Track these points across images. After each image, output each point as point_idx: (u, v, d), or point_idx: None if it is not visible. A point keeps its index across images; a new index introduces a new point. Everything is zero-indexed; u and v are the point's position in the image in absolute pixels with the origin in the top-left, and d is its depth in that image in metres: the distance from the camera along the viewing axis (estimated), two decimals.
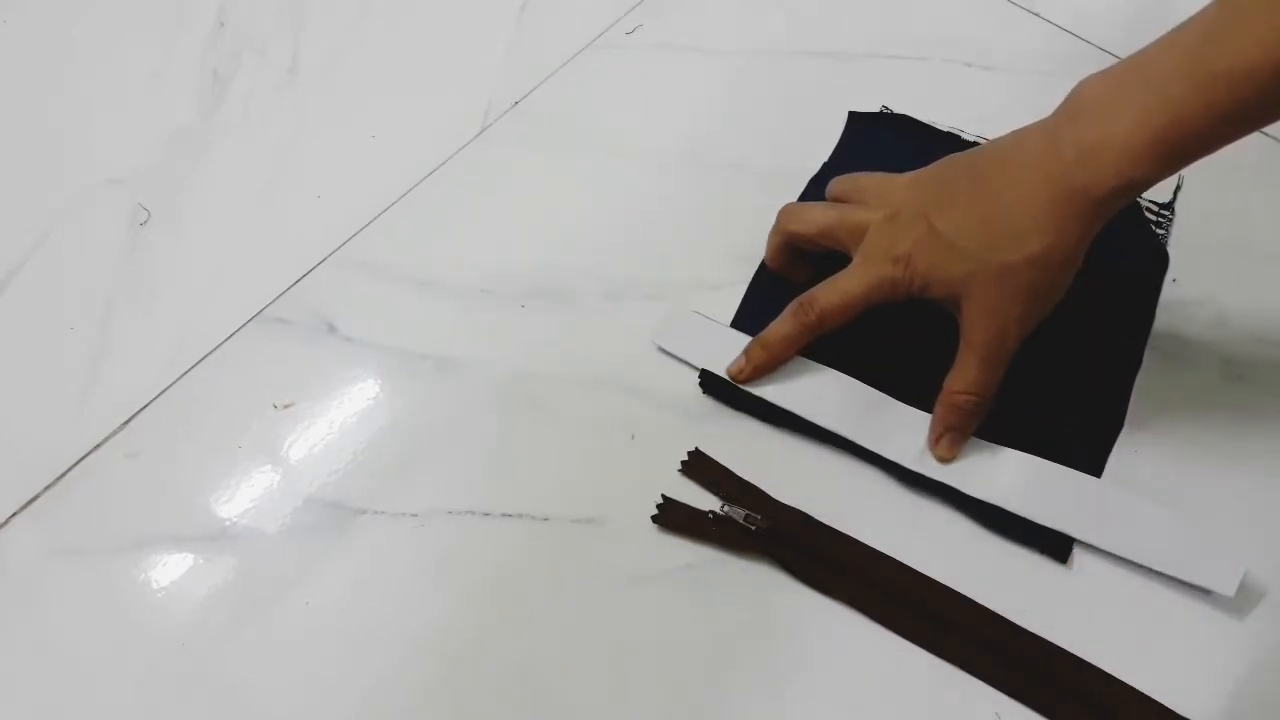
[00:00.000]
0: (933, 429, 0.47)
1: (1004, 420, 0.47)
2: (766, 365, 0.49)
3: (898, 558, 0.46)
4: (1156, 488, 0.47)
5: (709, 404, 0.51)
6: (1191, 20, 0.41)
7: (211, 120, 0.63)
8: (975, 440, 0.48)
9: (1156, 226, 0.56)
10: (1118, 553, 0.45)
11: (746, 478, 0.48)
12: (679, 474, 0.48)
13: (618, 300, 0.55)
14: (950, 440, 0.47)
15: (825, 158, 0.59)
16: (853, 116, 0.61)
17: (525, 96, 0.63)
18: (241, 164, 0.61)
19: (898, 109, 0.61)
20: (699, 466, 0.48)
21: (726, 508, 0.46)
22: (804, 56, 0.65)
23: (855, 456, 0.48)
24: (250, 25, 0.68)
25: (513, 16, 0.68)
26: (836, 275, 0.48)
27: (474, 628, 0.45)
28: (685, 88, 0.64)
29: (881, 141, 0.60)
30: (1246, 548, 0.45)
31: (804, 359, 0.50)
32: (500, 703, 0.43)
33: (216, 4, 0.69)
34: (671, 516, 0.47)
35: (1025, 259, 0.43)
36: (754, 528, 0.46)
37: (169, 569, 0.47)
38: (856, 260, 0.48)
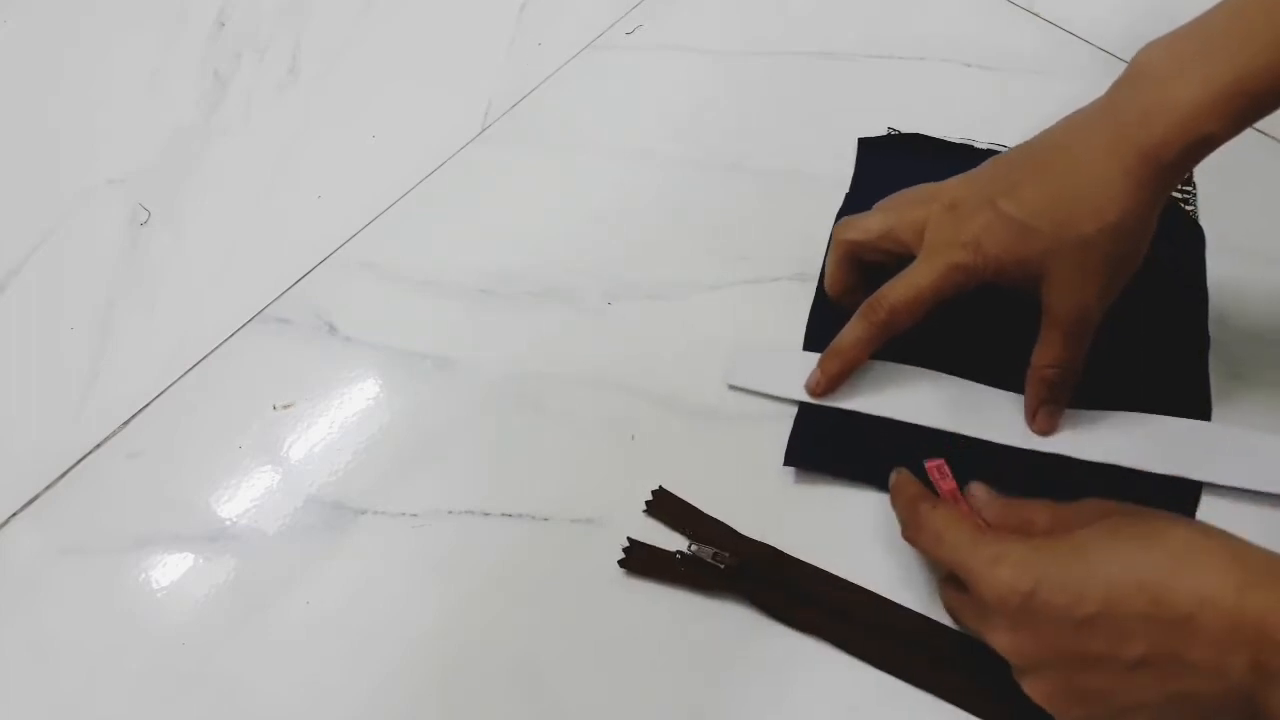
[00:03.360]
0: (1027, 406, 0.47)
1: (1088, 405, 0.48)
2: (841, 373, 0.48)
3: (879, 590, 0.45)
4: None
5: (708, 405, 0.51)
6: None
7: (211, 120, 0.63)
8: (1078, 411, 0.47)
9: (1184, 203, 0.55)
10: (1250, 486, 0.45)
11: (732, 489, 0.48)
12: (644, 515, 0.47)
13: (618, 300, 0.55)
14: (1047, 413, 0.47)
15: (824, 157, 0.59)
16: (863, 143, 0.60)
17: (525, 96, 0.63)
18: (241, 164, 0.61)
19: (897, 109, 0.61)
20: (664, 505, 0.47)
21: (694, 547, 0.46)
22: (804, 56, 0.65)
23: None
24: (250, 25, 0.68)
25: (513, 16, 0.68)
26: (904, 271, 0.46)
27: (474, 628, 0.45)
28: (685, 88, 0.64)
29: (897, 163, 0.59)
30: None
31: (884, 362, 0.49)
32: (499, 702, 0.43)
33: (216, 4, 0.69)
34: (639, 560, 0.46)
35: (1102, 230, 0.42)
36: (722, 566, 0.45)
37: (169, 569, 0.47)
38: (922, 254, 0.46)
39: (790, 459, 0.48)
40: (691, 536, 0.46)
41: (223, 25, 0.68)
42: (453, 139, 0.61)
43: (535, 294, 0.55)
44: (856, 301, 0.48)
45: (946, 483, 0.45)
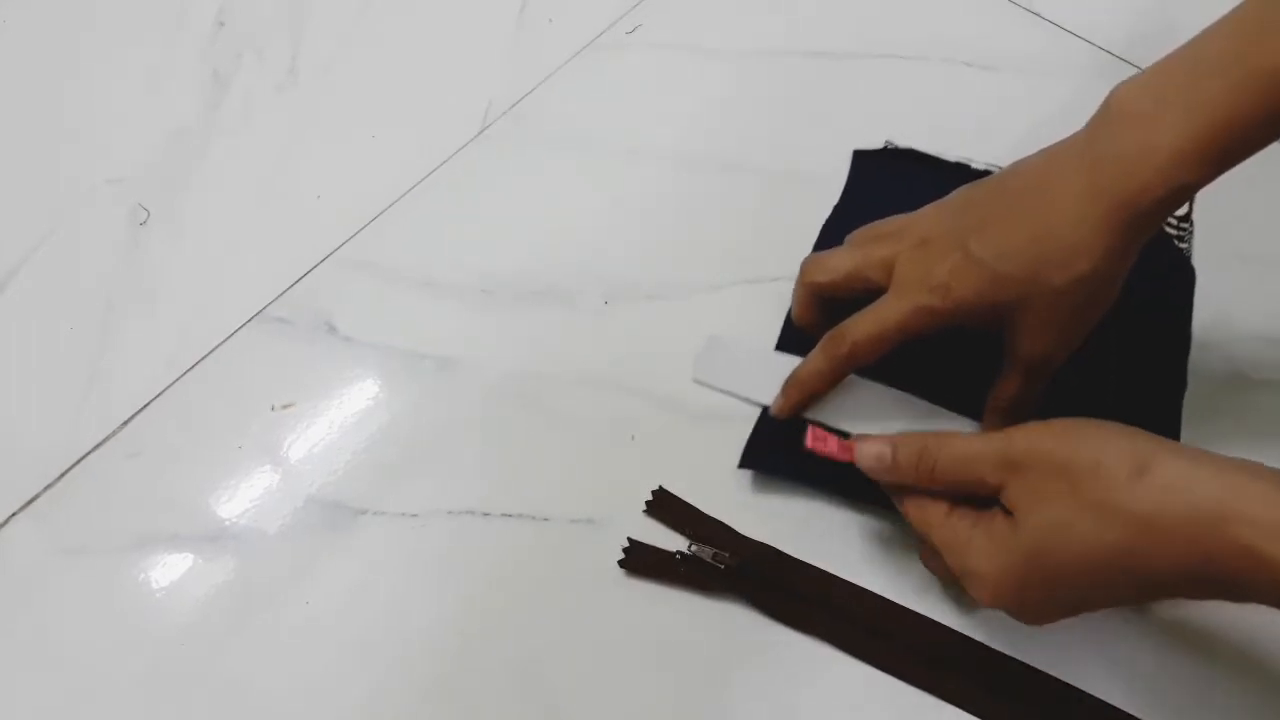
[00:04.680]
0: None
1: None
2: (802, 402, 0.48)
3: (879, 591, 0.45)
4: None
5: (708, 405, 0.51)
6: (1222, 24, 0.40)
7: (211, 120, 0.63)
8: None
9: (1178, 240, 0.54)
10: None
11: (732, 489, 0.48)
12: (644, 514, 0.47)
13: (617, 300, 0.55)
14: None
15: (824, 157, 0.59)
16: (858, 155, 0.59)
17: (525, 96, 0.63)
18: (241, 164, 0.61)
19: (897, 109, 0.61)
20: (664, 505, 0.47)
21: (694, 547, 0.46)
22: (803, 56, 0.65)
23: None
24: (250, 25, 0.68)
25: (513, 16, 0.68)
26: (871, 305, 0.45)
27: (473, 627, 0.45)
28: (685, 88, 0.64)
29: (890, 179, 0.58)
30: None
31: (852, 376, 0.48)
32: (499, 702, 0.43)
33: (216, 4, 0.69)
34: (639, 560, 0.46)
35: (1072, 280, 0.41)
36: (722, 566, 0.45)
37: (169, 569, 0.47)
38: (890, 292, 0.45)
39: (746, 461, 0.48)
40: (691, 536, 0.46)
41: (222, 25, 0.68)
42: (453, 139, 0.61)
43: (535, 294, 0.55)
44: (824, 332, 0.48)
45: (827, 445, 0.44)
